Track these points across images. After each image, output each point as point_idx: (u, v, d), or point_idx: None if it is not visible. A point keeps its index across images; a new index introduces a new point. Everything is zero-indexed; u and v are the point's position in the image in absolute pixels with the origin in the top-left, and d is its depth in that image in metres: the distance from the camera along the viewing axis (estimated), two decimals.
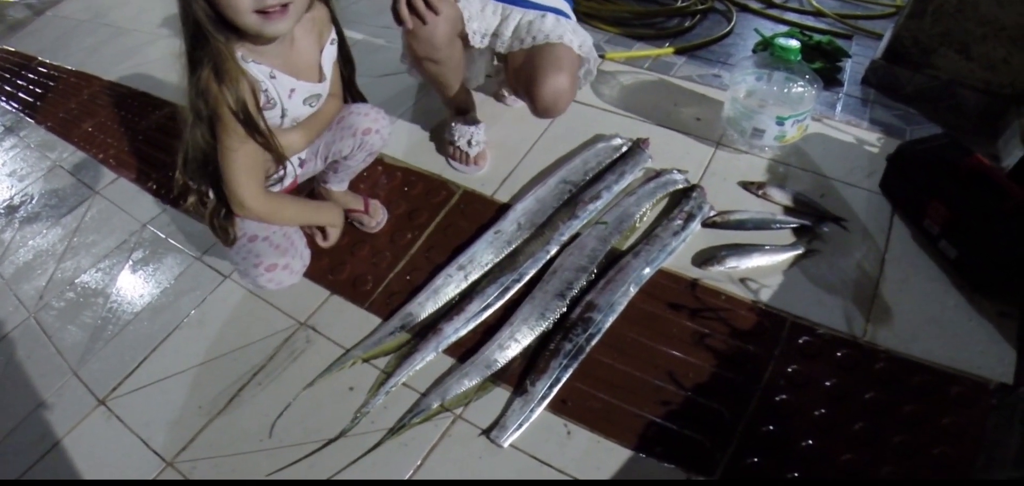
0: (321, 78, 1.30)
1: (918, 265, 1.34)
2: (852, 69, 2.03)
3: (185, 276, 1.57)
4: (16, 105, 2.58)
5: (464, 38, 1.49)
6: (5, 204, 2.01)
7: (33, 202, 1.98)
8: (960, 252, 1.27)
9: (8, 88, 2.74)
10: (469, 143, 1.68)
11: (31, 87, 2.69)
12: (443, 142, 1.76)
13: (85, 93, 2.50)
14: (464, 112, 1.72)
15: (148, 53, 2.73)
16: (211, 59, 1.09)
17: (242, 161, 1.22)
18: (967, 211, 1.26)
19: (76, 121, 2.32)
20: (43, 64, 2.87)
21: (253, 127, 1.17)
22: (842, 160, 1.61)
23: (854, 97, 1.90)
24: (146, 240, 1.71)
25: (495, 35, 1.53)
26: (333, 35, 1.32)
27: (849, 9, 2.56)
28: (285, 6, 1.09)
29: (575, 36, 1.49)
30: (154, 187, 1.88)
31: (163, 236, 1.71)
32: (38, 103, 2.55)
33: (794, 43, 1.52)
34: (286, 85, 1.22)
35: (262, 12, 1.07)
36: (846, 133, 1.70)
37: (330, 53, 1.32)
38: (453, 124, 1.71)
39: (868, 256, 1.36)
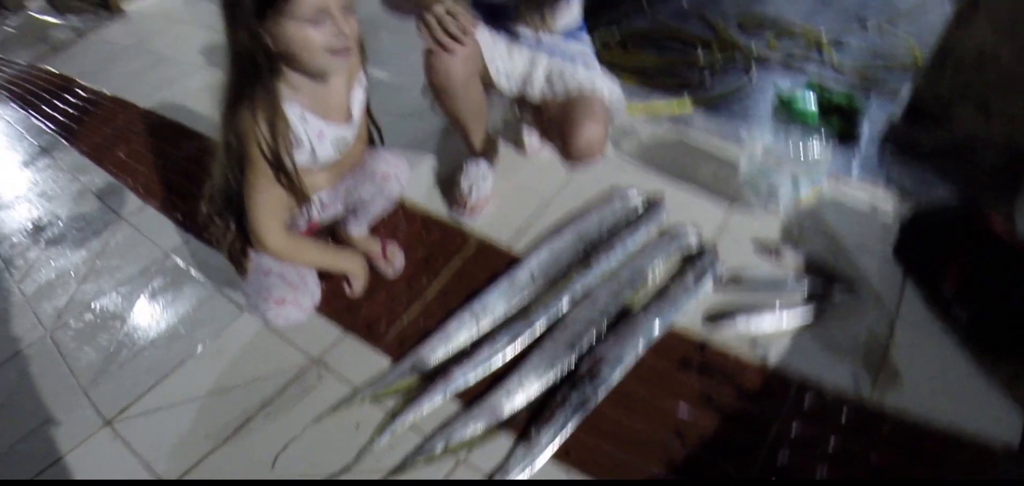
0: (349, 119, 1.35)
1: (929, 329, 1.33)
2: (869, 127, 2.04)
3: (204, 307, 1.60)
4: (53, 126, 2.67)
5: (487, 81, 1.53)
6: (33, 223, 2.07)
7: (60, 224, 2.03)
8: (972, 316, 1.27)
9: (47, 109, 2.84)
10: (470, 190, 1.70)
11: (69, 109, 2.79)
12: (450, 184, 1.80)
13: (120, 119, 2.59)
14: (478, 157, 1.74)
15: (185, 84, 2.81)
16: (255, 96, 1.14)
17: (266, 200, 1.25)
18: (981, 275, 1.27)
19: (110, 146, 2.39)
20: (83, 87, 2.97)
21: (280, 168, 1.21)
22: (856, 222, 1.62)
23: (871, 157, 1.90)
24: (168, 269, 1.75)
25: (525, 80, 1.57)
26: (363, 78, 1.37)
27: (868, 63, 2.59)
28: (348, 46, 1.16)
29: (605, 85, 1.56)
30: (180, 218, 1.92)
31: (185, 266, 1.74)
32: (74, 126, 2.63)
33: (812, 107, 1.54)
34: (316, 127, 1.27)
35: (330, 51, 1.14)
36: (861, 196, 1.70)
37: (360, 96, 1.37)
38: (465, 165, 1.73)
39: (878, 320, 1.36)
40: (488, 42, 1.51)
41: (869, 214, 1.63)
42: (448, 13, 1.36)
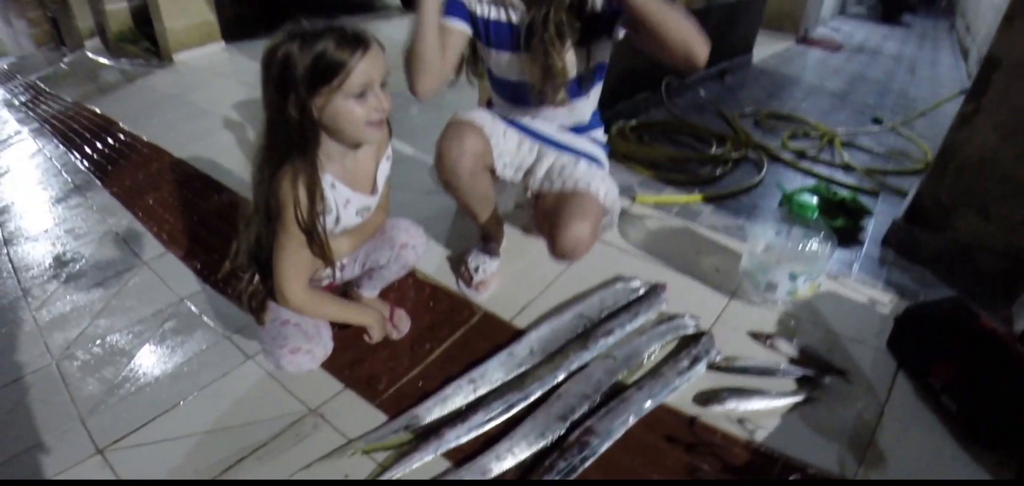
0: (374, 190, 1.43)
1: (918, 417, 1.36)
2: (875, 227, 2.09)
3: (210, 351, 1.64)
4: (89, 166, 2.79)
5: (492, 170, 1.61)
6: (56, 257, 2.14)
7: (82, 261, 2.10)
8: (961, 407, 1.30)
9: (87, 148, 2.96)
10: (477, 269, 1.79)
11: (107, 151, 2.91)
12: (459, 260, 1.87)
13: (153, 166, 2.70)
14: (487, 241, 1.83)
15: (218, 137, 2.94)
16: (295, 164, 1.22)
17: (294, 260, 1.32)
18: (971, 369, 1.31)
19: (140, 191, 2.49)
20: (123, 130, 3.11)
21: (312, 233, 1.27)
22: (853, 318, 1.65)
23: (873, 257, 1.95)
24: (181, 313, 1.80)
25: (528, 172, 1.64)
26: (389, 151, 1.45)
27: (879, 165, 2.65)
28: (384, 119, 1.26)
29: (602, 185, 1.57)
30: (198, 267, 1.99)
31: (197, 312, 1.79)
32: (109, 167, 2.75)
33: (812, 201, 1.60)
34: (343, 195, 1.34)
35: (369, 123, 1.23)
36: (860, 293, 1.74)
37: (385, 168, 1.45)
38: (474, 248, 1.84)
39: (868, 407, 1.38)
40: (499, 136, 1.60)
41: (867, 309, 1.67)
42: None
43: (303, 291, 1.39)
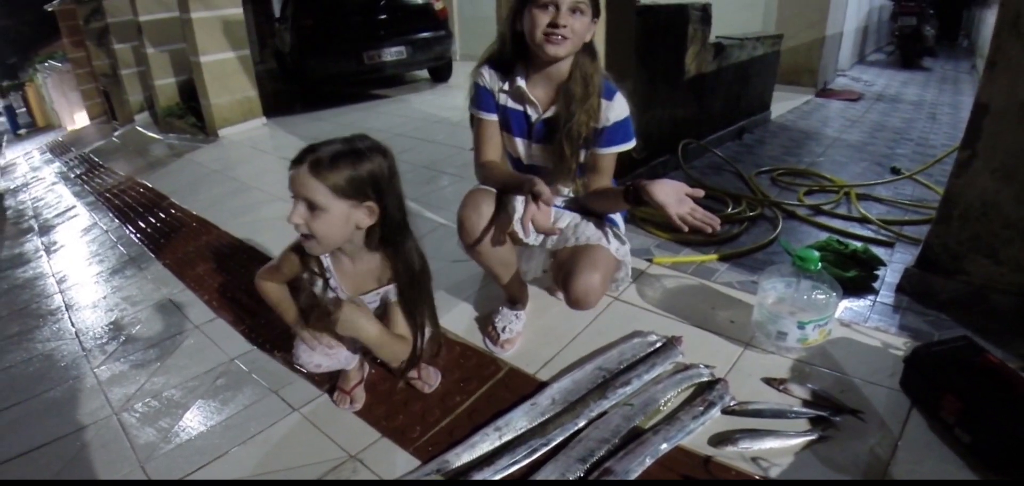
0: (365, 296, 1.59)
1: (932, 449, 1.40)
2: (890, 276, 2.15)
3: (258, 405, 1.77)
4: (142, 238, 3.01)
5: (514, 237, 1.74)
6: (114, 322, 2.32)
7: (139, 325, 2.28)
8: (974, 437, 1.36)
9: (140, 222, 3.18)
10: (503, 329, 1.91)
11: (158, 224, 3.12)
12: (486, 320, 2.00)
13: (202, 239, 2.91)
14: (513, 302, 1.95)
15: (262, 212, 3.15)
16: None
17: (276, 268, 1.60)
18: (979, 402, 1.36)
19: (191, 263, 2.69)
20: (173, 205, 3.33)
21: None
22: (866, 362, 1.71)
23: (887, 304, 2.01)
24: (231, 371, 1.94)
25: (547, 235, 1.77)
26: (392, 290, 1.59)
27: (896, 215, 2.71)
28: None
29: (615, 241, 1.72)
30: (246, 330, 2.14)
31: (246, 370, 1.93)
32: (161, 240, 2.97)
33: (814, 253, 1.69)
34: (334, 284, 1.56)
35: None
36: (874, 337, 1.80)
37: (383, 295, 1.60)
38: (501, 308, 1.96)
39: (882, 443, 1.43)
40: (518, 201, 1.71)
41: (880, 352, 1.73)
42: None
43: (266, 284, 1.60)
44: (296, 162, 1.36)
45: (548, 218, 1.49)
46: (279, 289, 1.62)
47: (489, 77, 1.73)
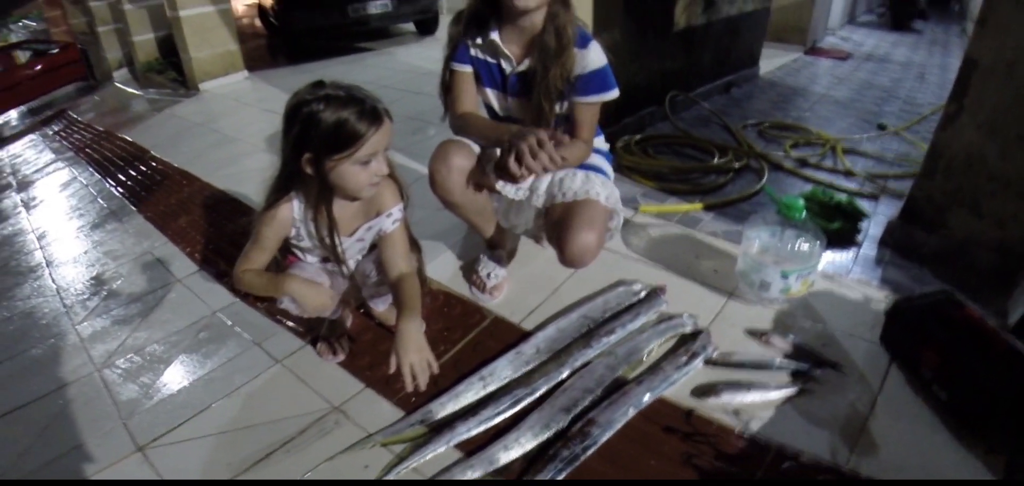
0: (352, 234, 1.56)
1: (910, 406, 1.41)
2: (874, 229, 2.15)
3: (242, 357, 1.76)
4: (123, 192, 2.97)
5: (488, 184, 1.70)
6: (95, 277, 2.29)
7: (120, 280, 2.25)
8: (951, 395, 1.36)
9: (121, 176, 3.14)
10: (488, 275, 1.91)
11: (139, 177, 3.08)
12: (470, 268, 1.98)
13: (185, 191, 2.87)
14: (494, 248, 1.94)
15: (244, 163, 3.11)
16: (304, 197, 1.44)
17: (250, 257, 1.52)
18: (957, 358, 1.37)
19: (173, 215, 2.65)
20: (154, 158, 3.28)
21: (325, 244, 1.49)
22: (847, 315, 1.72)
23: (870, 257, 2.02)
24: (214, 324, 1.92)
25: (531, 190, 1.74)
26: (397, 212, 1.55)
27: (881, 169, 2.72)
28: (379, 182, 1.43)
29: (603, 189, 1.67)
30: (229, 283, 2.11)
31: (229, 323, 1.92)
32: (143, 193, 2.93)
33: (799, 201, 1.68)
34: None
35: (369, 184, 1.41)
36: (855, 290, 1.81)
37: (385, 224, 1.55)
38: (482, 256, 1.95)
39: (861, 397, 1.45)
40: (493, 152, 1.70)
41: (862, 306, 1.74)
42: (538, 142, 1.48)
43: (244, 274, 1.54)
44: (378, 119, 1.35)
45: (552, 157, 1.47)
46: (258, 275, 1.53)
47: (465, 30, 1.69)
